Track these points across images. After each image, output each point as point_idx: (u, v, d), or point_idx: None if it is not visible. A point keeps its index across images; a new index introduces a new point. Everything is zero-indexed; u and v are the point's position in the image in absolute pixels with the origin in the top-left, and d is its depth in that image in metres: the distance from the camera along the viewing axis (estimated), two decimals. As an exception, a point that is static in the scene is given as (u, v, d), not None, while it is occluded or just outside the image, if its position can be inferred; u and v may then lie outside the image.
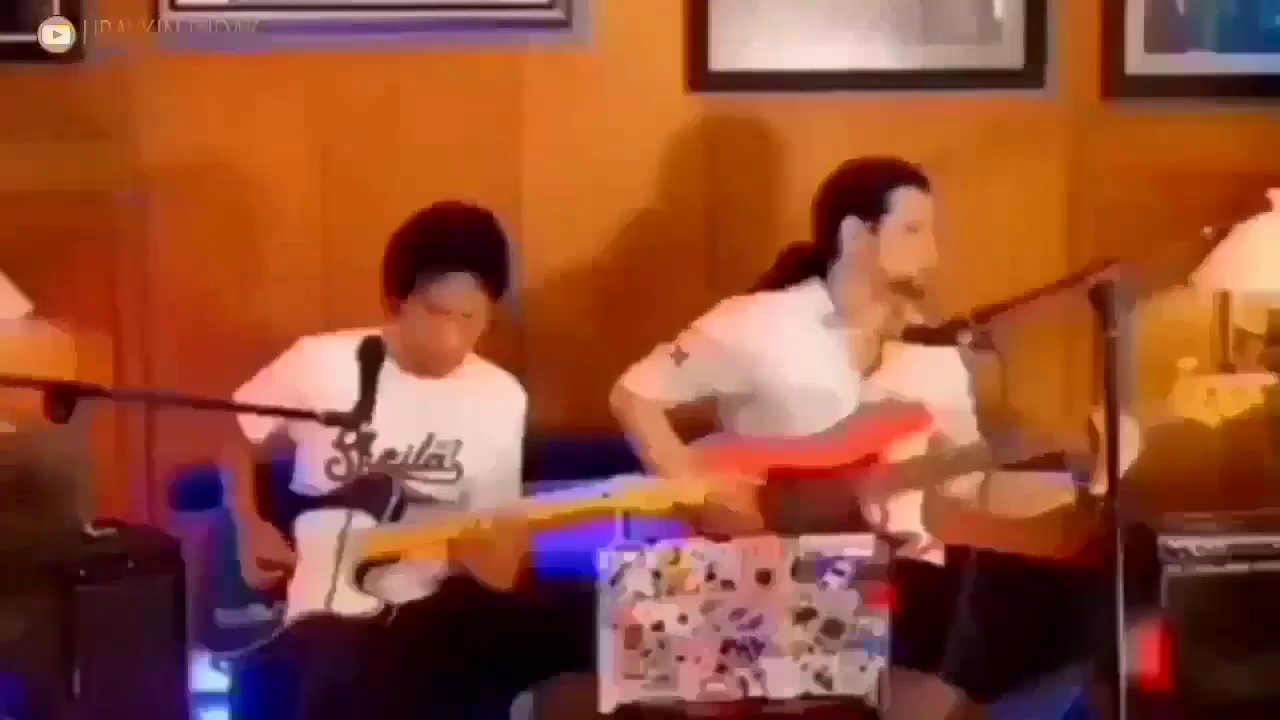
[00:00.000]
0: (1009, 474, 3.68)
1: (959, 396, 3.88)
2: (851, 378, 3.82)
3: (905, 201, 3.77)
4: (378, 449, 3.64)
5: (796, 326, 3.82)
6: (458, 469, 3.71)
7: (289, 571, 3.61)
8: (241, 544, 3.65)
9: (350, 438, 3.58)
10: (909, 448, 3.80)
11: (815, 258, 3.87)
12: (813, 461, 3.76)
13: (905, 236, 3.77)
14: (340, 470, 3.68)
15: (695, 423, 3.92)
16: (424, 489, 3.68)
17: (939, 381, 3.80)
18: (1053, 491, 3.71)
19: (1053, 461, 3.66)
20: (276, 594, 3.60)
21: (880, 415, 3.79)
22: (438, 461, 3.70)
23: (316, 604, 3.45)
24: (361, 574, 3.56)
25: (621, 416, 3.87)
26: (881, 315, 3.83)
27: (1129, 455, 3.45)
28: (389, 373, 3.47)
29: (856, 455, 3.76)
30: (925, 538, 3.83)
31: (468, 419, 3.71)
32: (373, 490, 3.61)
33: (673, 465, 3.76)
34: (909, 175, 3.81)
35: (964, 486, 3.86)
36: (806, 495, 3.74)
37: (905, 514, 3.81)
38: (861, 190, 3.81)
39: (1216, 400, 3.48)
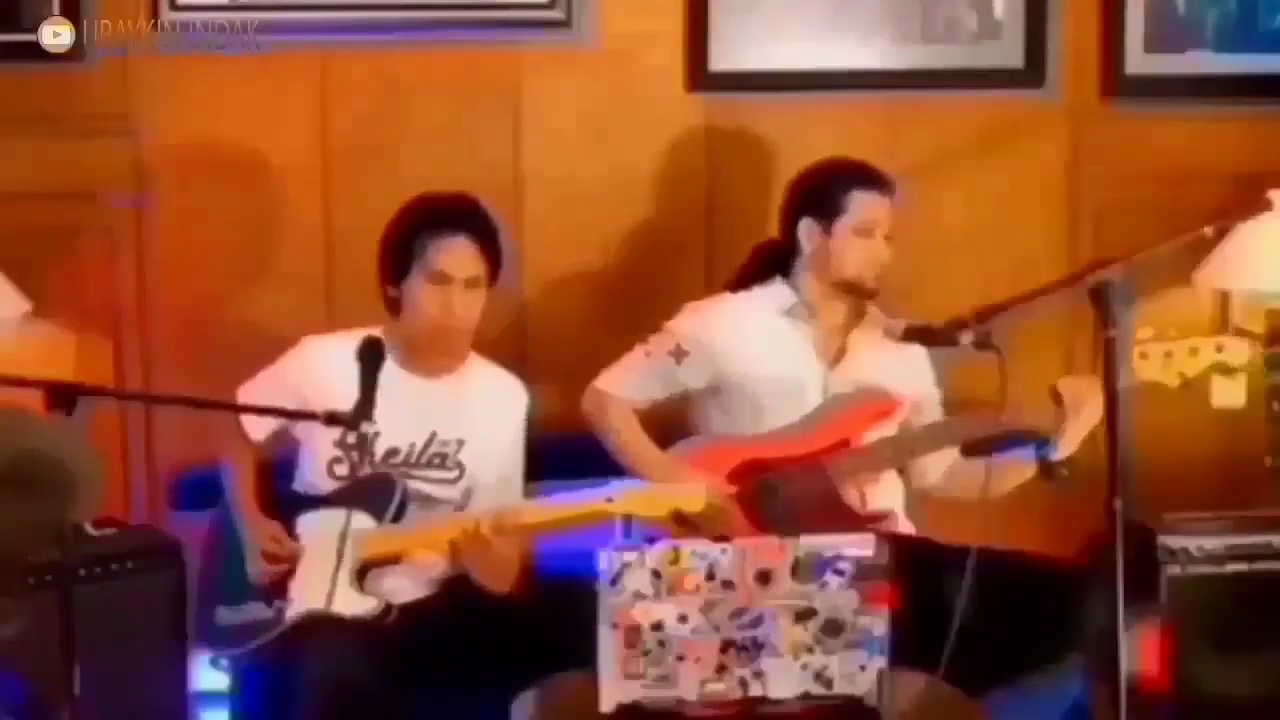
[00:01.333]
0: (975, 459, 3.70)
1: (926, 387, 3.96)
2: (817, 369, 3.89)
3: (858, 205, 3.84)
4: (380, 448, 3.64)
5: (760, 321, 3.90)
6: (460, 468, 3.71)
7: (294, 566, 3.61)
8: (245, 540, 3.65)
9: (352, 437, 3.59)
10: (880, 433, 3.85)
11: (781, 255, 3.95)
12: (788, 451, 3.82)
13: (854, 239, 3.84)
14: (342, 470, 3.68)
15: (665, 421, 3.95)
16: (426, 488, 3.68)
17: (905, 373, 3.89)
18: (1018, 467, 3.70)
19: (1027, 437, 3.68)
20: (277, 592, 3.60)
21: (851, 402, 3.86)
22: (440, 460, 3.70)
23: (317, 604, 3.46)
24: (362, 574, 3.56)
25: (594, 418, 3.92)
26: (844, 310, 3.91)
27: (1092, 419, 3.51)
28: (391, 372, 3.47)
29: (830, 442, 3.82)
30: (903, 519, 3.88)
31: (471, 418, 3.72)
32: (375, 490, 3.62)
33: (648, 466, 3.80)
34: (866, 178, 3.87)
35: (934, 476, 3.93)
36: (784, 483, 3.79)
37: (881, 493, 3.87)
38: (818, 191, 3.89)
39: (1173, 362, 3.49)
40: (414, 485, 3.66)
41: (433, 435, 3.70)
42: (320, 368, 3.64)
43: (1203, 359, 3.46)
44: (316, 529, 3.60)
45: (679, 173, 4.44)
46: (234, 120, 4.27)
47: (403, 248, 3.67)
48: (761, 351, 3.88)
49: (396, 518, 3.60)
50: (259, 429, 3.75)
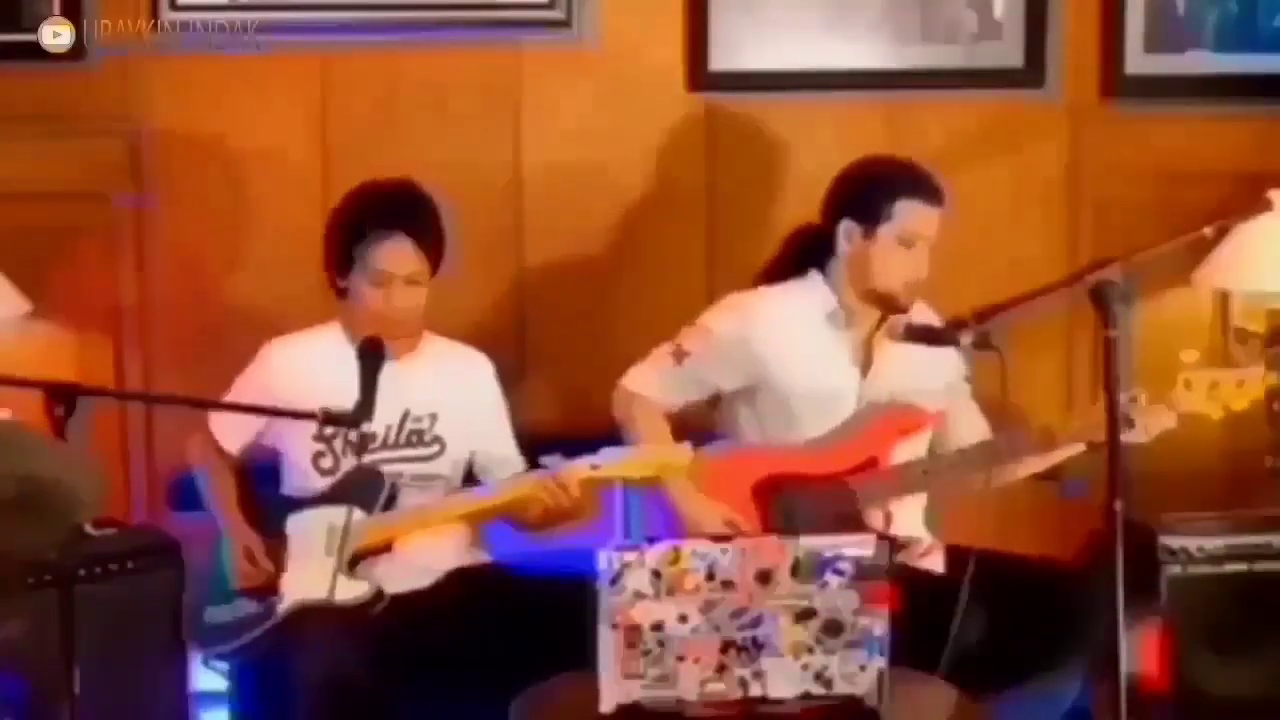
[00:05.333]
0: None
1: (956, 368, 3.85)
2: (853, 375, 3.80)
3: (905, 214, 3.70)
4: (357, 434, 3.65)
5: (801, 322, 3.78)
6: (439, 443, 3.75)
7: (273, 574, 3.62)
8: (228, 548, 3.68)
9: (331, 429, 3.61)
10: (910, 449, 3.79)
11: (817, 247, 3.81)
12: (816, 467, 3.74)
13: (897, 250, 3.70)
14: (327, 463, 3.71)
15: (696, 423, 3.91)
16: (412, 468, 3.71)
17: (934, 362, 3.75)
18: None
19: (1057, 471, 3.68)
20: (267, 590, 3.61)
21: (881, 416, 3.77)
22: (418, 438, 3.73)
23: (309, 597, 3.49)
24: (353, 565, 3.57)
25: (623, 421, 3.82)
26: (876, 315, 3.79)
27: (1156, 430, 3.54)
28: (354, 360, 3.50)
29: (859, 459, 3.74)
30: (927, 541, 3.82)
31: (437, 390, 3.76)
32: (364, 484, 3.64)
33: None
34: (917, 187, 3.72)
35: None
36: (808, 503, 3.72)
37: (907, 517, 3.80)
38: (864, 193, 3.74)
39: (1219, 393, 3.48)
40: (403, 467, 3.69)
41: (405, 413, 3.73)
42: (287, 367, 3.72)
43: (1251, 392, 3.45)
44: (305, 524, 3.63)
45: (679, 173, 4.44)
46: (234, 120, 4.27)
47: (344, 247, 3.72)
48: (803, 358, 3.76)
49: (386, 509, 3.62)
50: (234, 441, 3.80)
